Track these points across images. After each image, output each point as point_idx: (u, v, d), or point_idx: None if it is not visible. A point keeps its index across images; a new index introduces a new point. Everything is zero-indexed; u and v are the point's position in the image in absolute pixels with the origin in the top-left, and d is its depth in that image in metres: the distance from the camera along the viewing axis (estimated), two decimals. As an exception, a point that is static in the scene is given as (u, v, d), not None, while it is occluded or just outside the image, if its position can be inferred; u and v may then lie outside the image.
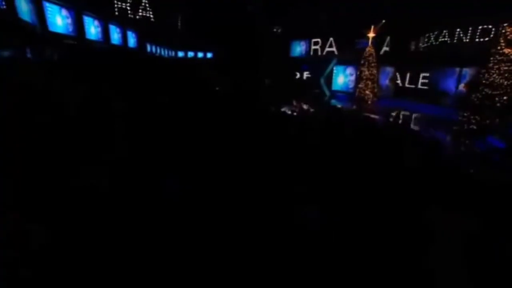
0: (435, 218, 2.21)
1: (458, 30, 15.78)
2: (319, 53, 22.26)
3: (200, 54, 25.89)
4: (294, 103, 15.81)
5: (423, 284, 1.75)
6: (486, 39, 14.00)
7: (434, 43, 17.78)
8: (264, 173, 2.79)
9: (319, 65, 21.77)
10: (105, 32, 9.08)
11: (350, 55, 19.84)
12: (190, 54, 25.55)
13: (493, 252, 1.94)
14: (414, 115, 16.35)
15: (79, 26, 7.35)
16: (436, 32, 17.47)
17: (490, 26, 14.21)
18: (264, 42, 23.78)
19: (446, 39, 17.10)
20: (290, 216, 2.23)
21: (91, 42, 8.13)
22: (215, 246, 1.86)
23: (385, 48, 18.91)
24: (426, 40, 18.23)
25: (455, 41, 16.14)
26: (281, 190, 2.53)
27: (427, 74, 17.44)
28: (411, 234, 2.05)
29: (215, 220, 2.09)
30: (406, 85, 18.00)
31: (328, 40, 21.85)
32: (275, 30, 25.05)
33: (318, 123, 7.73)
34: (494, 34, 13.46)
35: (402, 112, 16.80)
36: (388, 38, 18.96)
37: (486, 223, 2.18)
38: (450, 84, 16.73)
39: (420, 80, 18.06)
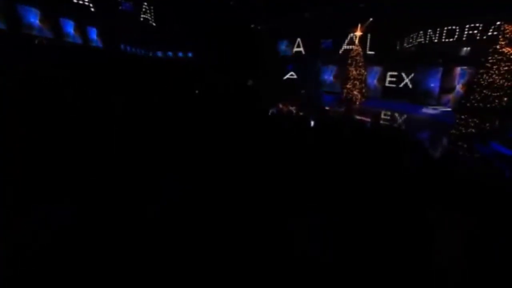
0: (435, 218, 2.19)
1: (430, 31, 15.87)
2: (290, 52, 22.19)
3: (179, 54, 24.46)
4: (280, 105, 14.74)
5: (424, 283, 1.72)
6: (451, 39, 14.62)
7: (414, 43, 17.73)
8: (265, 175, 2.77)
9: (305, 65, 20.98)
10: (56, 27, 7.42)
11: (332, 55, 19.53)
12: (169, 54, 24.25)
13: (493, 252, 1.93)
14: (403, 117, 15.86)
15: (11, 17, 5.74)
16: (416, 34, 17.48)
17: (454, 27, 14.50)
18: (248, 40, 22.63)
19: (421, 39, 17.20)
20: (291, 216, 2.23)
21: (32, 37, 6.52)
22: (215, 246, 1.84)
23: (345, 47, 19.30)
24: (410, 40, 18.10)
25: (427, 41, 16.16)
26: (281, 192, 2.51)
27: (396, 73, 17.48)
28: (412, 234, 2.03)
29: (216, 220, 2.09)
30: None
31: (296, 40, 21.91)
32: (259, 28, 24.01)
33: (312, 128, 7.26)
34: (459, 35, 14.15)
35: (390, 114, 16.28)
36: (353, 35, 18.74)
37: (486, 223, 2.19)
38: (433, 84, 16.61)
39: (388, 79, 18.22)
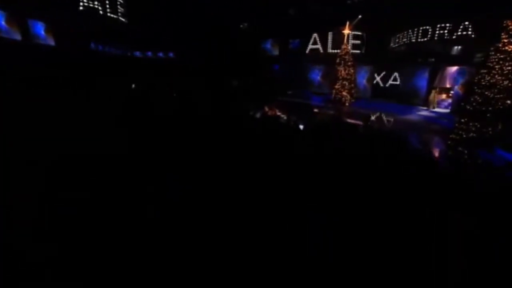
0: (435, 218, 2.17)
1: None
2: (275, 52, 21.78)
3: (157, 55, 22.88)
4: (266, 109, 13.60)
5: (424, 283, 1.71)
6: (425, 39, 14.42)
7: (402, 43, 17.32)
8: (263, 177, 2.78)
9: (293, 65, 19.99)
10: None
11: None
12: (148, 54, 22.71)
13: (493, 252, 1.92)
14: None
15: None
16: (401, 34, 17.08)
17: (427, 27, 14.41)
18: (231, 39, 21.42)
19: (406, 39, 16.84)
20: (291, 216, 2.23)
21: None
22: (214, 246, 1.85)
23: (311, 46, 19.57)
24: (396, 40, 17.63)
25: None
26: (278, 192, 2.50)
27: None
28: (412, 234, 2.02)
29: (214, 220, 2.10)
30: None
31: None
32: (241, 26, 22.79)
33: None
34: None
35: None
36: (315, 35, 19.18)
37: (486, 223, 2.18)
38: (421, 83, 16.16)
39: (376, 79, 18.46)
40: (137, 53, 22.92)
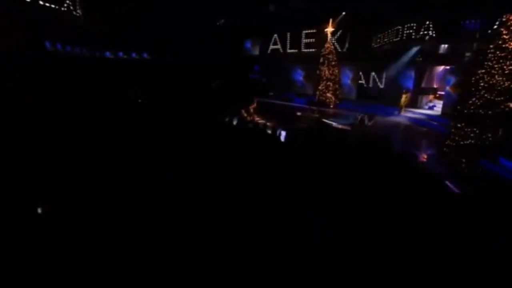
0: (436, 218, 2.17)
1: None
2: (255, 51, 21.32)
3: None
4: (245, 114, 12.23)
5: (424, 282, 1.66)
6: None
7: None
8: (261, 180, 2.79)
9: (275, 65, 18.82)
10: None
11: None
12: (120, 54, 20.71)
13: (493, 252, 1.89)
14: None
15: None
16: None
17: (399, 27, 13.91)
18: (210, 37, 19.93)
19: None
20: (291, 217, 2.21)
21: None
22: (215, 245, 1.82)
23: (272, 47, 19.44)
24: (378, 40, 16.97)
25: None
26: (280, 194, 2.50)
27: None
28: (412, 234, 1.97)
29: (216, 220, 2.08)
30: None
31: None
32: (218, 23, 21.35)
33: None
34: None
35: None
36: (276, 36, 18.86)
37: (487, 223, 2.18)
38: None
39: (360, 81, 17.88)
40: (107, 54, 20.87)
